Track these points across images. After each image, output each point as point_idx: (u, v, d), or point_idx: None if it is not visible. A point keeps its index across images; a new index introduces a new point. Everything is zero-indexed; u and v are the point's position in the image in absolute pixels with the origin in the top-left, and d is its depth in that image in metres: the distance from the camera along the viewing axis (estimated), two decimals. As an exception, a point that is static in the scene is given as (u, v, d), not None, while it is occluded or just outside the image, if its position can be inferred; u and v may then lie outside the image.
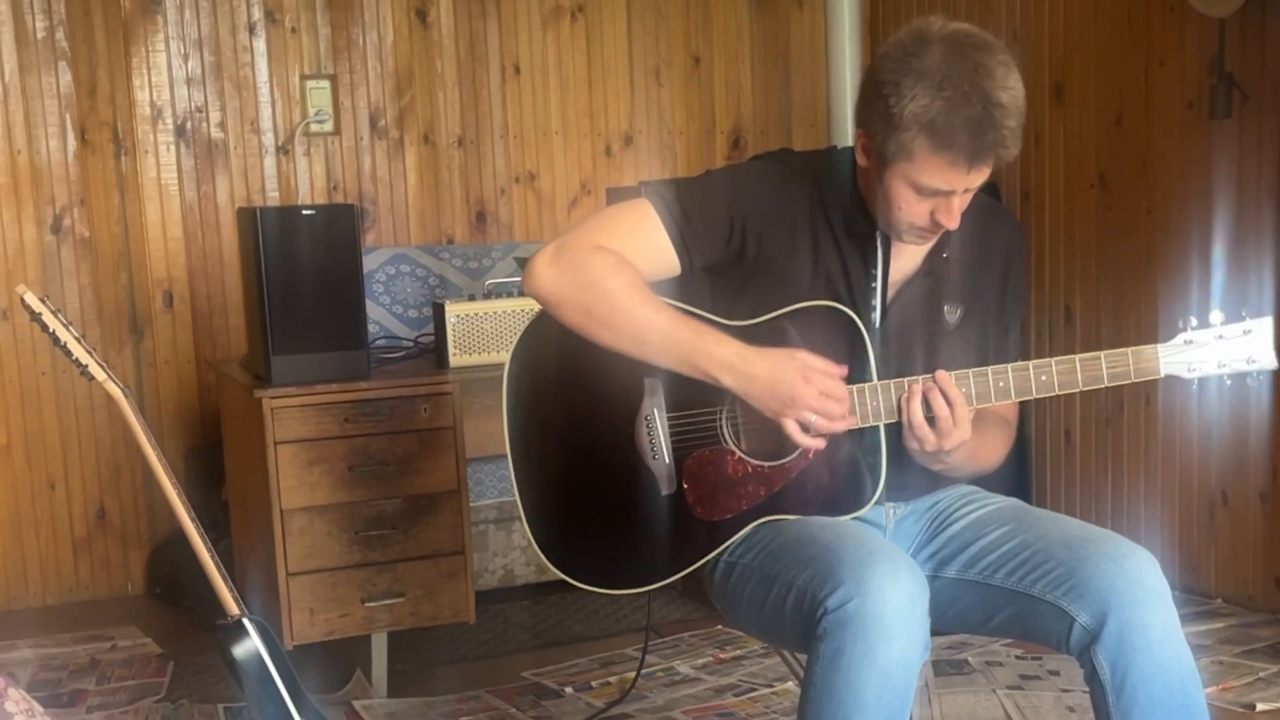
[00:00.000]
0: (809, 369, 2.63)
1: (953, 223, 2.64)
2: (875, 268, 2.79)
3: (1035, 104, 5.45)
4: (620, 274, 2.68)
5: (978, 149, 2.54)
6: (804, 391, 2.62)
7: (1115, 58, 5.24)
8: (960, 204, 2.64)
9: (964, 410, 2.62)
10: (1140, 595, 2.52)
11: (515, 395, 2.89)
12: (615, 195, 5.11)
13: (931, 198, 2.62)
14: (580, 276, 2.69)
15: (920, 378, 2.66)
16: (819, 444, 2.68)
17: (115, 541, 5.76)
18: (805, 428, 2.65)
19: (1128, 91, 5.21)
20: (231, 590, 2.76)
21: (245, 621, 2.75)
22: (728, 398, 2.76)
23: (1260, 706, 4.03)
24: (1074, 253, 5.47)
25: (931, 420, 2.63)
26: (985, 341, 2.88)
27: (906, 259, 2.82)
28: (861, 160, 2.70)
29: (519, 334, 2.89)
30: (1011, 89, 2.54)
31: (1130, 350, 2.62)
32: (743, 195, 2.77)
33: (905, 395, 2.65)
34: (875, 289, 2.80)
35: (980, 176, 2.61)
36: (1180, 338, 2.62)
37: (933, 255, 2.83)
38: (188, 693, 4.53)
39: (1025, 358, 2.74)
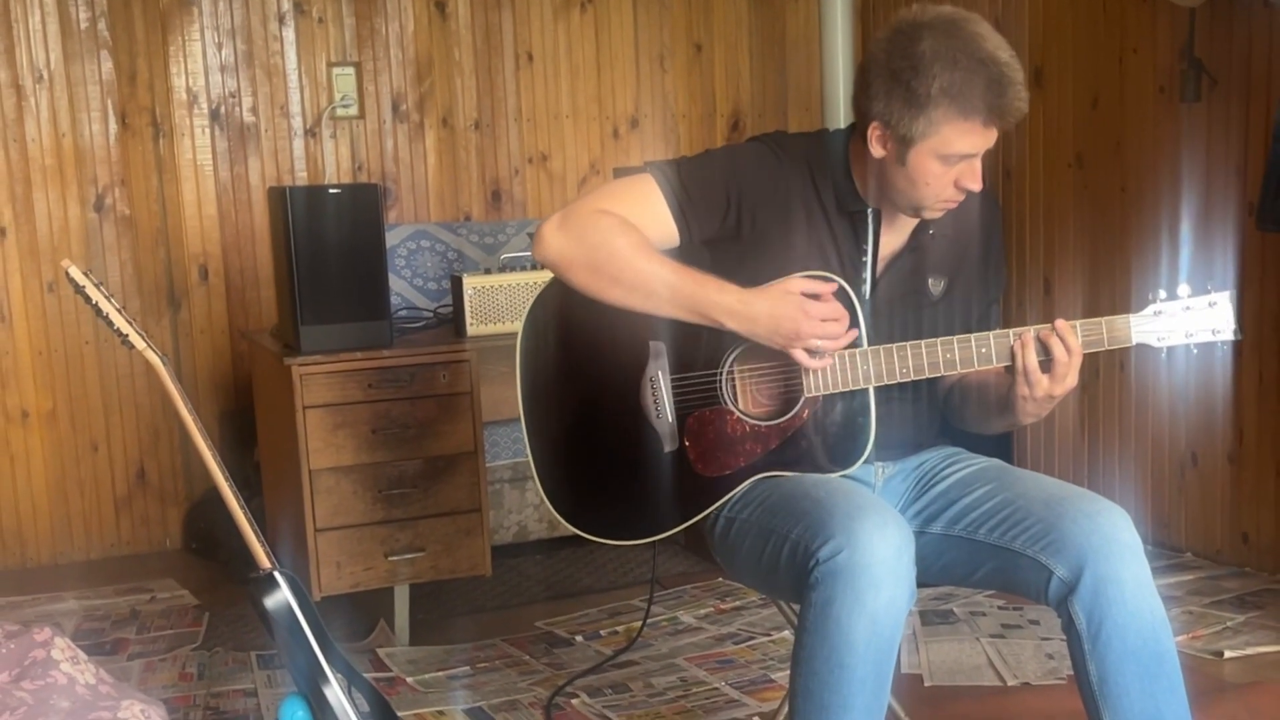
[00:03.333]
0: (806, 301, 2.64)
1: (979, 184, 2.66)
2: (866, 243, 2.79)
3: (1017, 89, 5.47)
4: (624, 233, 2.68)
5: (1001, 107, 2.57)
6: (805, 325, 2.62)
7: (1091, 45, 5.23)
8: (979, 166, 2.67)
9: (1079, 358, 2.62)
10: (1114, 550, 2.52)
11: (527, 361, 2.90)
12: (622, 175, 5.07)
13: (956, 165, 2.63)
14: (587, 237, 2.68)
15: (1031, 327, 2.64)
16: (827, 363, 2.67)
17: (154, 500, 5.77)
18: (812, 352, 2.65)
19: (1103, 77, 5.19)
20: (263, 545, 2.75)
21: (276, 574, 2.74)
22: (727, 360, 2.76)
23: (1227, 654, 4.03)
24: (1052, 228, 5.46)
25: (1043, 365, 2.62)
26: (968, 313, 2.88)
27: (894, 235, 2.83)
28: (878, 151, 2.67)
29: (530, 304, 2.89)
30: (1006, 48, 2.59)
31: (1104, 320, 2.63)
32: (740, 173, 2.77)
33: (1018, 341, 2.63)
34: (866, 263, 2.79)
35: (995, 135, 2.63)
36: (1150, 309, 2.63)
37: (918, 231, 2.83)
38: (222, 641, 4.53)
39: (1005, 327, 2.74)
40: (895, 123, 2.61)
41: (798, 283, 2.66)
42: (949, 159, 2.62)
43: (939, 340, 2.68)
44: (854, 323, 2.70)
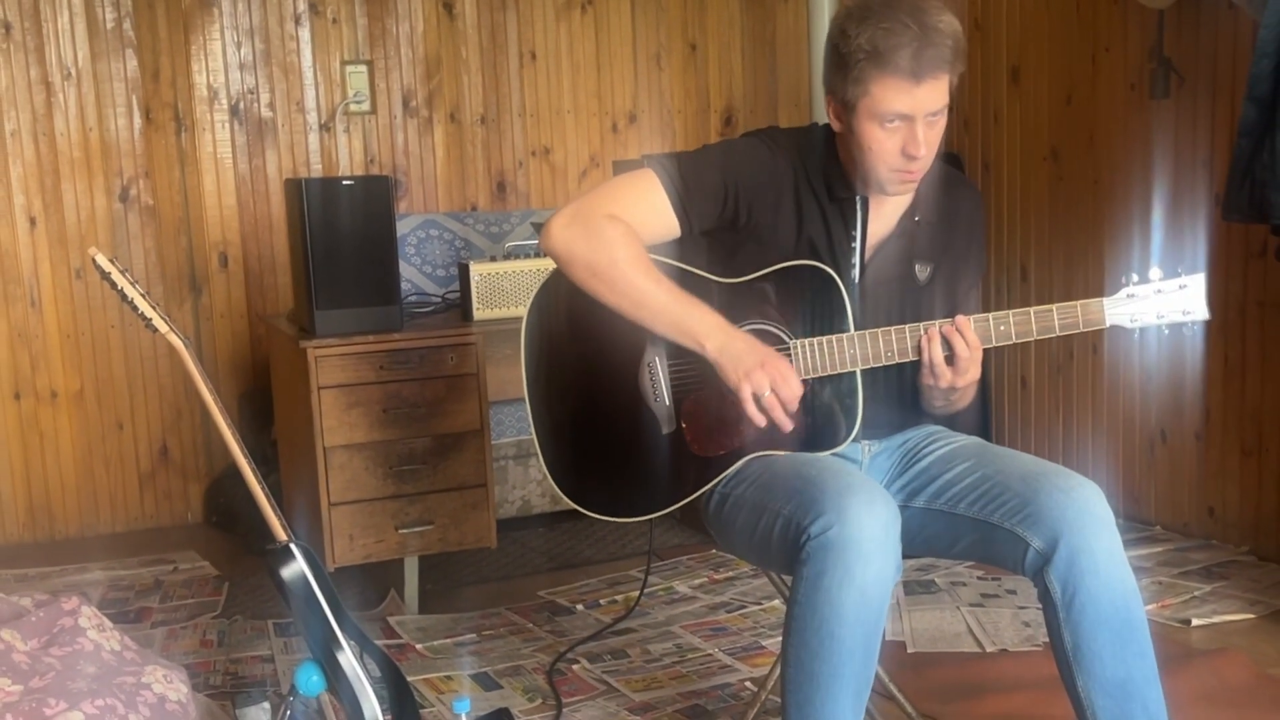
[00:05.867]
0: (774, 358, 2.63)
1: (918, 150, 2.62)
2: (855, 229, 2.78)
3: (994, 85, 5.49)
4: (627, 245, 2.67)
5: (919, 63, 2.55)
6: (766, 372, 2.61)
7: (1065, 44, 5.22)
8: (924, 135, 2.62)
9: (979, 352, 2.62)
10: (1088, 523, 2.51)
11: (532, 345, 2.88)
12: (620, 167, 5.09)
13: (896, 130, 2.61)
14: (592, 241, 2.67)
15: (938, 322, 2.64)
16: (759, 419, 2.64)
17: (176, 475, 5.77)
18: (758, 399, 2.63)
19: (1076, 74, 5.18)
20: (280, 519, 2.75)
21: (292, 546, 2.74)
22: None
23: (1195, 622, 4.03)
24: (1029, 218, 5.45)
25: (948, 359, 2.62)
26: (952, 296, 2.87)
27: (882, 221, 2.82)
28: (835, 124, 2.70)
29: (535, 290, 2.88)
30: (946, 19, 2.58)
31: (1079, 303, 2.62)
32: (736, 166, 2.76)
33: (925, 337, 2.63)
34: (854, 248, 2.78)
35: (930, 96, 2.59)
36: (1123, 292, 2.61)
37: (905, 218, 2.82)
38: (241, 610, 4.53)
39: (985, 311, 2.74)
40: (836, 89, 2.65)
41: (776, 352, 2.66)
42: (884, 119, 2.60)
43: (922, 325, 2.66)
44: (841, 309, 2.69)
